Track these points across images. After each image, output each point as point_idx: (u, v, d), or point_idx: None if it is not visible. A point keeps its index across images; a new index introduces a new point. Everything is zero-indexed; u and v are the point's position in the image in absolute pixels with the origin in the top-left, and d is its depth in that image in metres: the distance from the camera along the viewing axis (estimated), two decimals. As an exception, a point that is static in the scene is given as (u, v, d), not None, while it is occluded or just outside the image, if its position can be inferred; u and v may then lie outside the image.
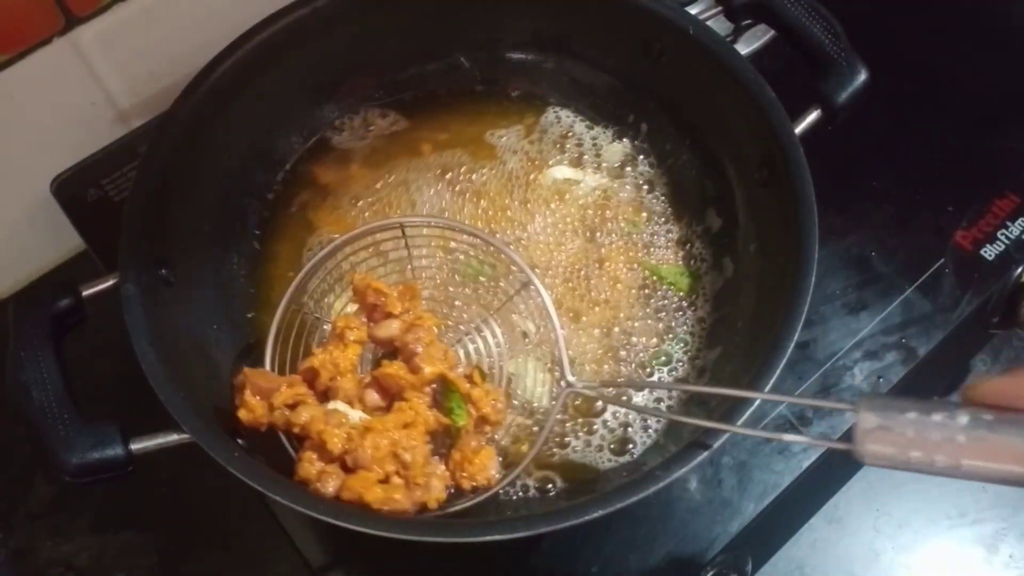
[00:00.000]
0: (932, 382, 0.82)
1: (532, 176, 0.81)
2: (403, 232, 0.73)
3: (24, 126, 0.77)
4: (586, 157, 0.82)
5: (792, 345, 0.60)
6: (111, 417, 0.60)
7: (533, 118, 0.84)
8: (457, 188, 0.81)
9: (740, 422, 0.58)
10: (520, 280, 0.71)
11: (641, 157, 0.82)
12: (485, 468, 0.64)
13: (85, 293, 0.65)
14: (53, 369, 0.61)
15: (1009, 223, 0.84)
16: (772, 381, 0.60)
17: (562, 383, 0.66)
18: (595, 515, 0.57)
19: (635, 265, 0.77)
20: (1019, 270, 0.83)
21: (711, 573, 0.72)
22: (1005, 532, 0.76)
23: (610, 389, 0.71)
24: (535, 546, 0.73)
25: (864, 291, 0.82)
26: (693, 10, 0.74)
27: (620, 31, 0.77)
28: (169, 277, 0.69)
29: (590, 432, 0.71)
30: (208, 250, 0.75)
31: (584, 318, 0.75)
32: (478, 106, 0.84)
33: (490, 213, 0.80)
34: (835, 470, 0.77)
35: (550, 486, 0.69)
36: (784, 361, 0.60)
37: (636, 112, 0.82)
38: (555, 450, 0.70)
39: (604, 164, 0.81)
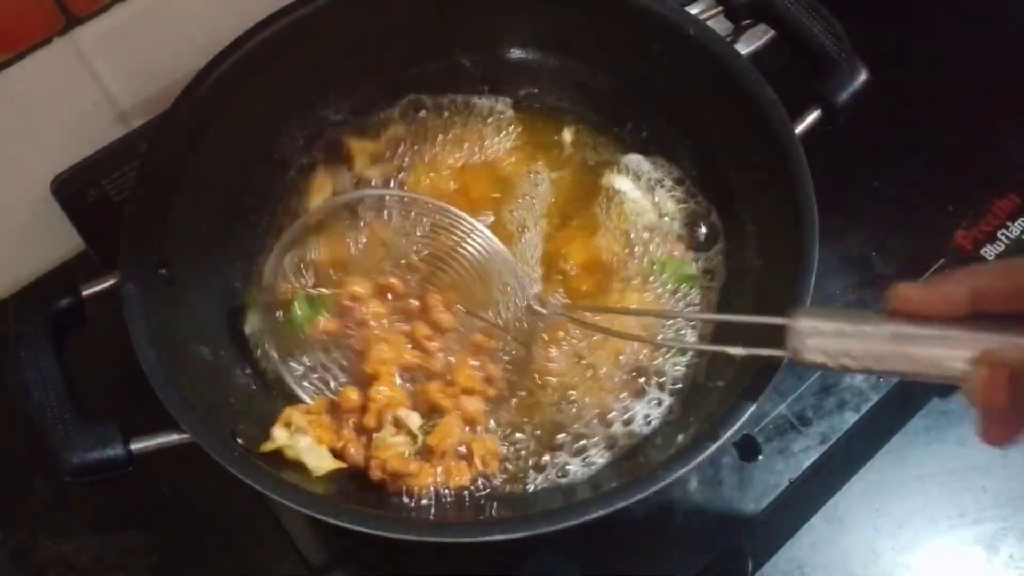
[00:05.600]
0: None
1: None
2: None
3: (24, 126, 0.77)
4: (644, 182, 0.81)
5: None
6: (111, 417, 0.60)
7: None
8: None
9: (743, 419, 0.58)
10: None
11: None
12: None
13: (85, 293, 0.65)
14: (53, 369, 0.61)
15: (1009, 223, 0.84)
16: (772, 381, 0.60)
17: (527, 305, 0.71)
18: (595, 515, 0.57)
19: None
20: (1019, 270, 0.83)
21: (711, 573, 0.72)
22: (1005, 532, 0.76)
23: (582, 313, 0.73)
24: (535, 546, 0.73)
25: (864, 291, 0.82)
26: (693, 10, 0.74)
27: (620, 31, 0.77)
28: (169, 277, 0.69)
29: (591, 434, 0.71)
30: (208, 250, 0.75)
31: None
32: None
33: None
34: (835, 470, 0.77)
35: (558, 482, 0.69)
36: (785, 362, 0.60)
37: (636, 112, 0.82)
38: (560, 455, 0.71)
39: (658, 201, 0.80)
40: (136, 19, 0.77)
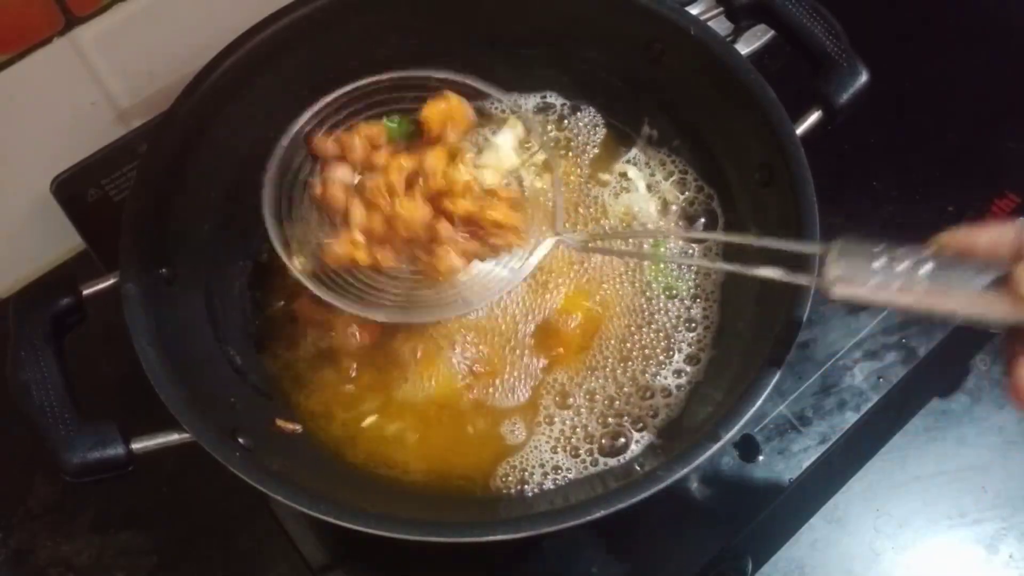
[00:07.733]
0: (932, 382, 0.82)
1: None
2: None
3: (24, 126, 0.77)
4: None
5: (793, 345, 0.60)
6: (111, 417, 0.60)
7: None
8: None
9: (757, 405, 0.58)
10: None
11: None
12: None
13: (85, 293, 0.65)
14: (53, 369, 0.61)
15: (1009, 223, 0.84)
16: (773, 382, 0.60)
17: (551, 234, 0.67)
18: (595, 515, 0.57)
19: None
20: (1019, 270, 0.83)
21: (711, 573, 0.72)
22: (1005, 532, 0.76)
23: (597, 241, 0.72)
24: (535, 546, 0.73)
25: (864, 291, 0.82)
26: (693, 10, 0.74)
27: (620, 31, 0.77)
28: (169, 277, 0.69)
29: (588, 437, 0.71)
30: (209, 250, 0.75)
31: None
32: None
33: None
34: (835, 470, 0.77)
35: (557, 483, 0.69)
36: (785, 361, 0.60)
37: (636, 112, 0.82)
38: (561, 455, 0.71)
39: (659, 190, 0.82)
40: (136, 19, 0.77)
